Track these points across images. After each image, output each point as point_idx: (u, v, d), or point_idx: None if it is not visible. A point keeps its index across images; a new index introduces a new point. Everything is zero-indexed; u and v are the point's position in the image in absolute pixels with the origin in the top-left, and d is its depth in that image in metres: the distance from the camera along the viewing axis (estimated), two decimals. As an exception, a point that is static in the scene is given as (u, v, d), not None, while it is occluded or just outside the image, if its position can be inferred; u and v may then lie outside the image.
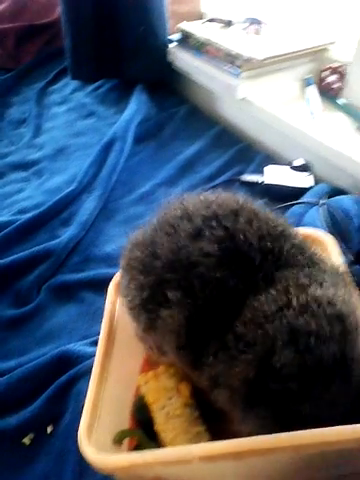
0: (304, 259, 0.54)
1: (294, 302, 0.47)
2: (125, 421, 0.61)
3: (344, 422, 0.44)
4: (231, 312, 0.50)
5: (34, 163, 1.31)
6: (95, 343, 0.78)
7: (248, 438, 0.42)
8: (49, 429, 0.72)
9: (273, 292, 0.49)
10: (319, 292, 0.48)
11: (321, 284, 0.49)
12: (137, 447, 0.59)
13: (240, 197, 0.59)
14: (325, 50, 1.25)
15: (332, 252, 0.69)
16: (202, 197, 0.59)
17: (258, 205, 0.59)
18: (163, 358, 0.61)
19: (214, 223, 0.54)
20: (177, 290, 0.52)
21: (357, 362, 0.46)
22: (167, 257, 0.54)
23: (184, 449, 0.47)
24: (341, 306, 0.47)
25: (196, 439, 0.55)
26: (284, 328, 0.46)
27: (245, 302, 0.50)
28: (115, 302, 0.70)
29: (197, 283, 0.52)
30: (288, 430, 0.44)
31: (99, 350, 0.60)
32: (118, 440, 0.57)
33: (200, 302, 0.51)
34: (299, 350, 0.45)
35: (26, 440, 0.71)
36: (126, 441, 0.59)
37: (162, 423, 0.58)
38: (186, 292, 0.52)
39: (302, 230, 0.75)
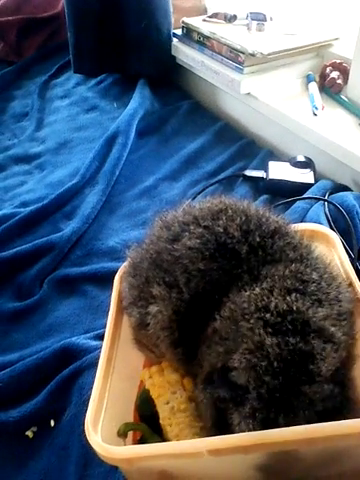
0: (294, 255, 0.54)
1: (272, 307, 0.47)
2: (130, 414, 0.61)
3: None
4: (216, 304, 0.51)
5: (36, 156, 1.31)
6: (98, 337, 0.78)
7: (257, 432, 0.42)
8: (52, 422, 0.72)
9: (257, 291, 0.49)
10: (299, 304, 0.47)
11: (304, 291, 0.49)
12: (141, 440, 0.59)
13: (229, 199, 0.61)
14: (329, 46, 1.25)
15: (336, 248, 0.69)
16: (185, 206, 0.62)
17: (254, 205, 0.60)
18: (160, 358, 0.62)
19: (192, 226, 0.56)
20: (161, 286, 0.55)
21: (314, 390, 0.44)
22: (151, 257, 0.58)
23: (193, 442, 0.47)
24: (311, 340, 0.45)
25: (201, 433, 0.55)
26: (254, 336, 0.45)
27: (228, 295, 0.51)
28: (121, 295, 0.69)
29: (181, 277, 0.53)
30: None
31: (105, 342, 0.60)
32: (123, 432, 0.56)
33: (186, 296, 0.53)
34: (255, 362, 0.44)
35: (29, 433, 0.71)
36: (130, 434, 0.59)
37: (167, 417, 0.58)
38: (171, 287, 0.54)
39: (306, 226, 0.76)
